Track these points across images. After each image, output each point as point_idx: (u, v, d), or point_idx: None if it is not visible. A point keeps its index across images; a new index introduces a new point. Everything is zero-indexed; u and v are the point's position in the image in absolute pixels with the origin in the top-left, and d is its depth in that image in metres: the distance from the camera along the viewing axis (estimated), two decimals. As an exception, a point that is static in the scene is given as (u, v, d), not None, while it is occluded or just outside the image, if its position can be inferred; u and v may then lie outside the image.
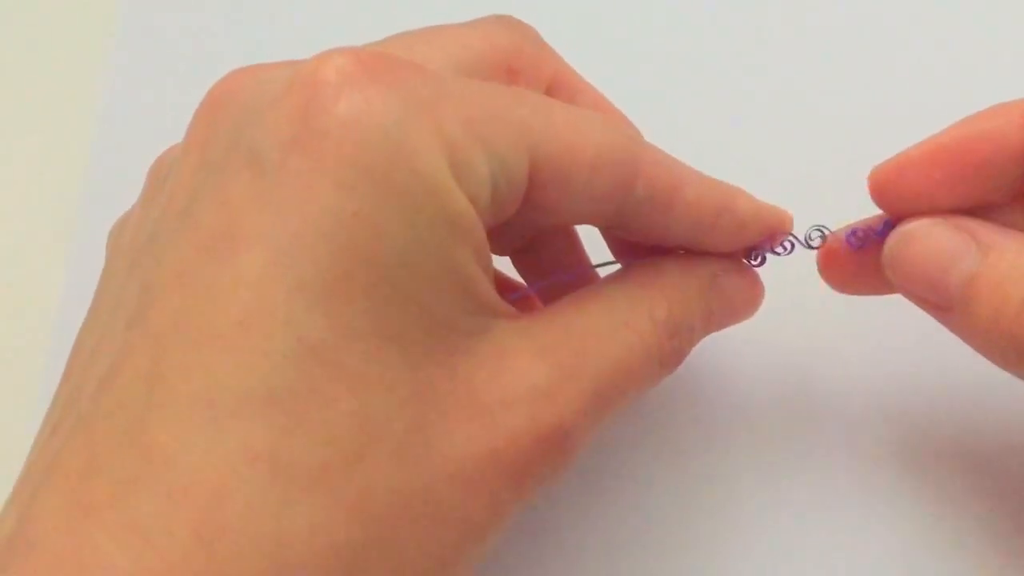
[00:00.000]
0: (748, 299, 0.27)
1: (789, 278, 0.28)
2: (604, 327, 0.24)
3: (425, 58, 0.23)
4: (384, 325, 0.20)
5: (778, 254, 0.27)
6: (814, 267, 0.27)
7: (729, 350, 0.31)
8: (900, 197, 0.26)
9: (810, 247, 0.27)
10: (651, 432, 0.31)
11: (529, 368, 0.22)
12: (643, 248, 0.28)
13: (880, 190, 0.26)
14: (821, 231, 0.27)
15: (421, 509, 0.21)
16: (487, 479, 0.21)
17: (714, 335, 0.27)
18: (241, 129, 0.21)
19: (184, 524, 0.19)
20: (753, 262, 0.27)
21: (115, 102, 0.36)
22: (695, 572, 0.29)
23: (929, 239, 0.25)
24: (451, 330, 0.21)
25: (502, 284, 0.30)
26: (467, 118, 0.21)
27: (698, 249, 0.26)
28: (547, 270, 0.30)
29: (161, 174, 0.24)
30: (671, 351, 0.25)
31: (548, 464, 0.22)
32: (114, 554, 0.18)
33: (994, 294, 0.24)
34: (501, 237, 0.28)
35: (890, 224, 0.26)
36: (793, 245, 0.27)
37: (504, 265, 0.31)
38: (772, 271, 0.27)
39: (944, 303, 0.25)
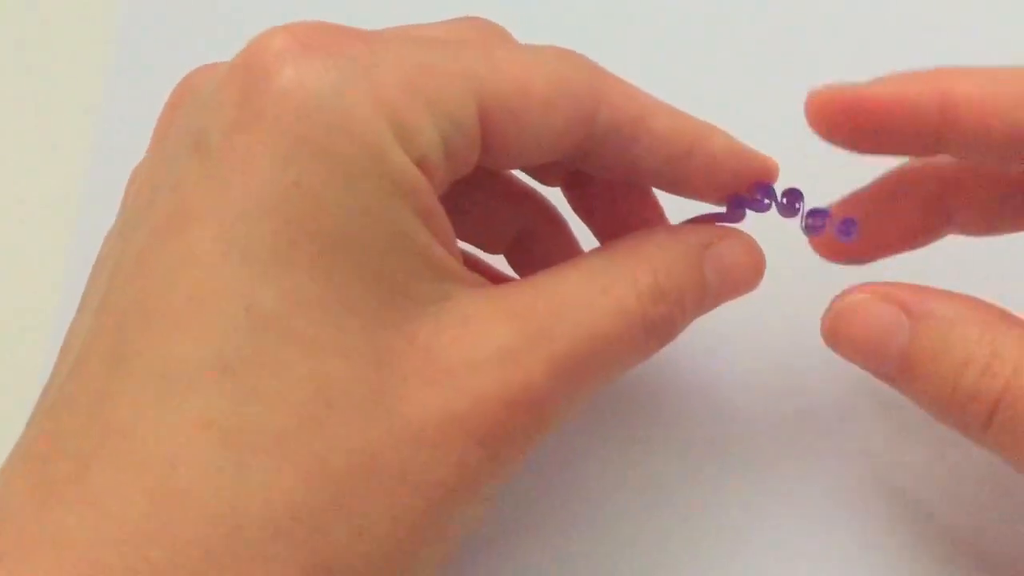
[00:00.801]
0: (747, 268, 0.26)
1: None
2: (581, 293, 0.23)
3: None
4: (335, 292, 0.20)
5: (759, 207, 0.26)
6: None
7: (727, 339, 0.30)
8: (831, 129, 0.25)
9: (784, 212, 0.26)
10: (649, 427, 0.30)
11: (496, 331, 0.22)
12: (623, 223, 0.27)
13: (815, 118, 0.25)
14: (797, 192, 0.26)
15: (383, 471, 0.20)
16: (452, 441, 0.21)
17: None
18: (192, 117, 0.22)
19: (139, 493, 0.19)
20: (735, 214, 0.26)
21: (115, 102, 0.36)
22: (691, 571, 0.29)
23: (862, 315, 0.24)
24: (406, 295, 0.21)
25: (496, 279, 0.29)
26: (406, 76, 0.21)
27: (671, 190, 0.26)
28: (541, 265, 0.29)
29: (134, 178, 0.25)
30: (658, 319, 0.24)
31: (519, 428, 0.22)
32: (73, 526, 0.19)
33: (927, 371, 0.24)
34: (489, 230, 0.29)
35: (850, 222, 0.25)
36: (774, 197, 0.26)
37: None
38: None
39: (888, 377, 0.24)
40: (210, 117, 0.21)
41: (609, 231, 0.28)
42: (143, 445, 0.19)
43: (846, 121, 0.25)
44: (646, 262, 0.24)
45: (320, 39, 0.21)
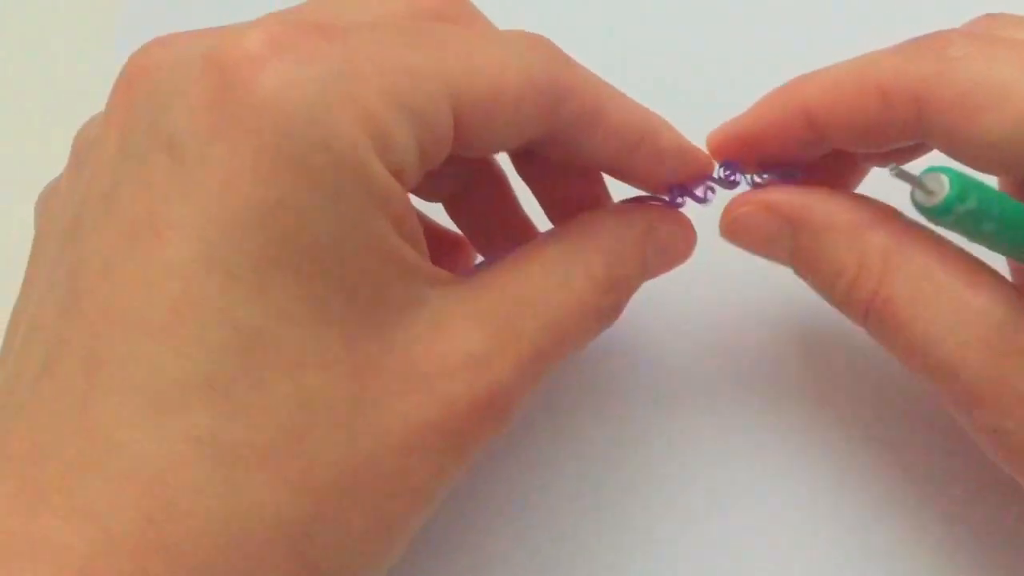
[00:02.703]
0: (682, 245, 0.28)
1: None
2: (540, 289, 0.24)
3: (350, 21, 0.23)
4: (317, 308, 0.21)
5: (699, 200, 0.28)
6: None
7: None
8: (735, 158, 0.28)
9: (728, 184, 0.28)
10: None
11: (465, 336, 0.23)
12: (570, 196, 0.29)
13: (717, 154, 0.27)
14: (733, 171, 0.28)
15: (366, 481, 0.21)
16: (430, 448, 0.22)
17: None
18: (159, 111, 0.21)
19: (133, 505, 0.19)
20: (677, 202, 0.28)
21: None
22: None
23: (749, 227, 0.26)
24: (384, 304, 0.22)
25: (439, 236, 0.31)
26: (386, 84, 0.21)
27: (618, 176, 0.27)
28: (480, 215, 0.31)
29: (84, 148, 0.24)
30: (609, 306, 0.25)
31: (488, 428, 0.23)
32: (68, 535, 0.19)
33: (810, 276, 0.26)
34: (430, 186, 0.29)
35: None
36: (714, 192, 0.28)
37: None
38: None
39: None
40: (182, 118, 0.21)
41: (552, 200, 0.30)
42: (133, 457, 0.20)
43: (745, 154, 0.27)
44: (598, 252, 0.25)
45: (299, 41, 0.21)
